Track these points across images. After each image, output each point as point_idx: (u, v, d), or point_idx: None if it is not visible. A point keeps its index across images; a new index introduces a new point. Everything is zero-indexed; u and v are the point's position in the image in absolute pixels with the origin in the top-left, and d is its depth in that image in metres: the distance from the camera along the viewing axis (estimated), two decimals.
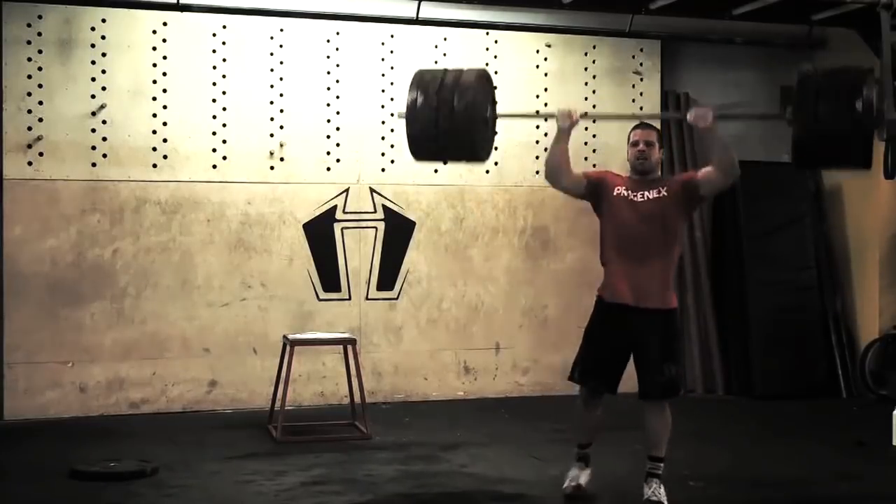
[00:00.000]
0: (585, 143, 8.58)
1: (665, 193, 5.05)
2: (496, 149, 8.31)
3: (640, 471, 5.72)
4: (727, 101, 9.15)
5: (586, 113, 5.08)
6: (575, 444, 5.44)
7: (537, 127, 8.49)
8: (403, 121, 5.01)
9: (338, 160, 8.04)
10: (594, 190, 5.18)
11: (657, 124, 5.46)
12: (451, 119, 4.81)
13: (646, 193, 5.06)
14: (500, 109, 5.40)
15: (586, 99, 8.60)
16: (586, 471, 5.39)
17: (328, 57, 8.03)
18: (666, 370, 5.07)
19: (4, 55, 7.31)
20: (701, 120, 4.97)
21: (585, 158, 8.59)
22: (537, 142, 8.47)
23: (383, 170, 8.13)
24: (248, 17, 7.84)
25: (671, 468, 5.99)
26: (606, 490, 5.49)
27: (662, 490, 5.16)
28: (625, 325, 5.09)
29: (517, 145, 8.45)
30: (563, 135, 5.17)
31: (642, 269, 5.02)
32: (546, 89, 8.52)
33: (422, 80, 4.97)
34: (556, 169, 5.20)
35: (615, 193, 5.10)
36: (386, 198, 8.13)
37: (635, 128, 5.23)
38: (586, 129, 8.59)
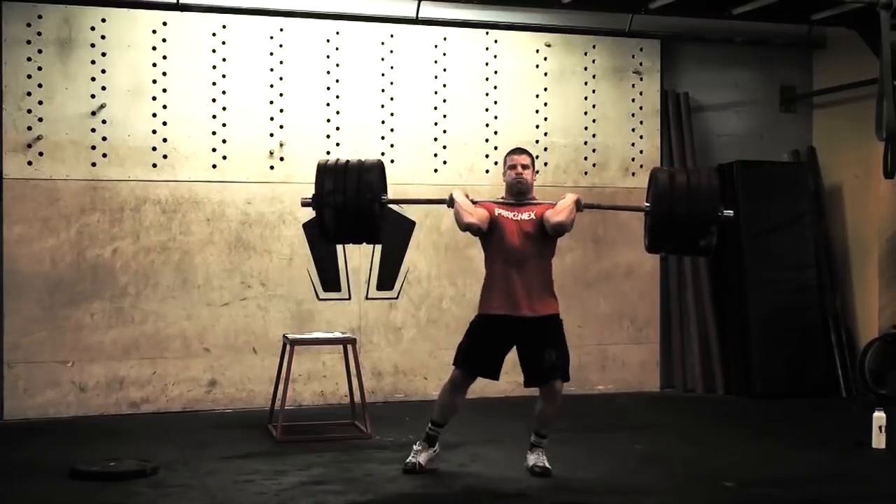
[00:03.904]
0: (585, 143, 8.59)
1: (534, 216, 5.58)
2: (496, 148, 8.42)
3: (640, 472, 5.74)
4: (727, 100, 9.18)
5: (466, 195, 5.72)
6: (430, 421, 5.78)
7: (537, 126, 8.49)
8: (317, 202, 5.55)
9: None
10: (491, 222, 5.59)
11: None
12: (355, 206, 5.48)
13: (520, 214, 5.58)
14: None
15: (586, 98, 8.61)
16: (430, 451, 5.76)
17: (328, 57, 8.03)
18: (547, 356, 5.52)
19: (4, 55, 7.31)
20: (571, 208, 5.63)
21: (585, 158, 8.60)
22: (537, 141, 8.47)
23: None
24: (248, 17, 7.84)
25: (672, 467, 6.00)
26: (605, 489, 5.49)
27: (545, 457, 5.70)
28: (506, 329, 5.57)
29: (517, 145, 8.42)
30: (459, 195, 5.65)
31: (522, 279, 5.54)
32: (546, 89, 8.52)
33: (325, 172, 5.56)
34: (470, 212, 5.58)
35: (497, 215, 5.59)
36: None
37: (511, 153, 5.74)
38: (586, 128, 8.61)
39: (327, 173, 5.52)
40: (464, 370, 5.67)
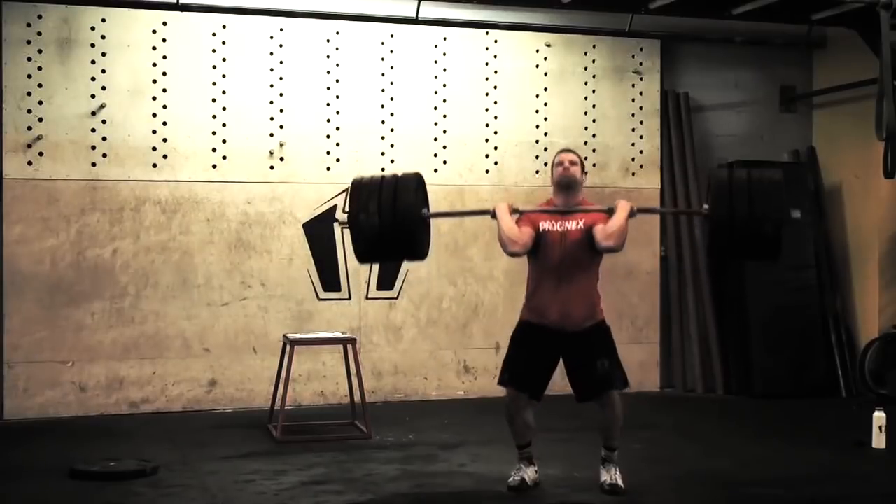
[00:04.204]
0: (585, 143, 8.59)
1: (583, 225, 5.33)
2: (496, 148, 8.42)
3: (640, 472, 5.74)
4: (727, 100, 9.18)
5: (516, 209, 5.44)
6: (515, 447, 5.52)
7: (537, 126, 8.49)
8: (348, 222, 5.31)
9: (338, 160, 8.04)
10: (536, 237, 5.35)
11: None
12: (392, 226, 5.12)
13: (567, 224, 5.35)
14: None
15: (586, 98, 8.61)
16: (532, 467, 5.51)
17: (328, 57, 8.03)
18: (599, 365, 5.30)
19: (4, 55, 7.31)
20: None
21: (585, 158, 8.54)
22: (537, 141, 8.48)
23: (383, 169, 8.12)
24: (248, 17, 7.84)
25: (672, 467, 6.00)
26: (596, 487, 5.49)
27: (619, 474, 5.40)
28: (551, 340, 5.35)
29: (517, 145, 8.45)
30: (503, 214, 5.36)
31: (565, 294, 5.31)
32: (546, 89, 8.52)
33: (360, 190, 5.23)
34: (514, 239, 5.30)
35: (542, 230, 5.36)
36: None
37: (559, 152, 5.56)
38: (586, 128, 8.61)
39: (363, 191, 5.21)
40: (511, 386, 5.35)
